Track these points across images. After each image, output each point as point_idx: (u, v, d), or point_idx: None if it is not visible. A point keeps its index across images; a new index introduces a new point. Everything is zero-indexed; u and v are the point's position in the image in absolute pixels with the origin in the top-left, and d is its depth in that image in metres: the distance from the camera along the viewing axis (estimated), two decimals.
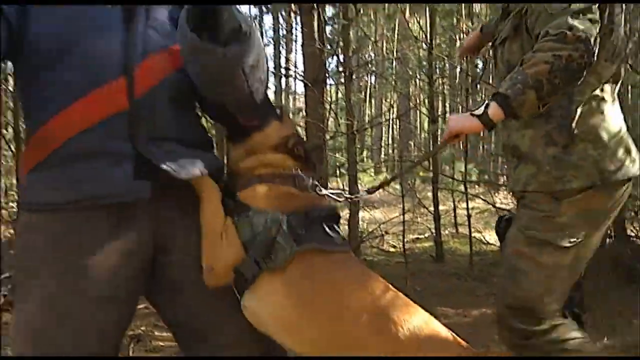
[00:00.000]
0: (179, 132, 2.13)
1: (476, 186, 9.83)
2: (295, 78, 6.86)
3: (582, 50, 2.07)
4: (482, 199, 8.64)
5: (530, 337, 2.45)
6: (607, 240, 6.61)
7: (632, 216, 6.94)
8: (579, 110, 2.30)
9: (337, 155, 7.98)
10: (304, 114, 6.70)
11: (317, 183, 2.26)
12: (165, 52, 2.12)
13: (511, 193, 3.06)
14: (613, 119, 2.39)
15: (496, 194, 9.47)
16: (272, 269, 2.08)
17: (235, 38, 1.94)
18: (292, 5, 7.96)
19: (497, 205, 7.46)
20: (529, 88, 2.05)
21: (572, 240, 2.34)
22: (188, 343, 2.33)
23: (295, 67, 6.83)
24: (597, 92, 2.34)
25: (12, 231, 8.05)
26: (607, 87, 2.37)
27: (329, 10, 8.05)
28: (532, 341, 2.45)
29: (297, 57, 14.98)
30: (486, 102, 2.15)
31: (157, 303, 2.31)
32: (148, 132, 2.05)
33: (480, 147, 16.39)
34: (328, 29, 7.95)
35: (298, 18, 7.75)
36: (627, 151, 2.40)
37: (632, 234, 6.83)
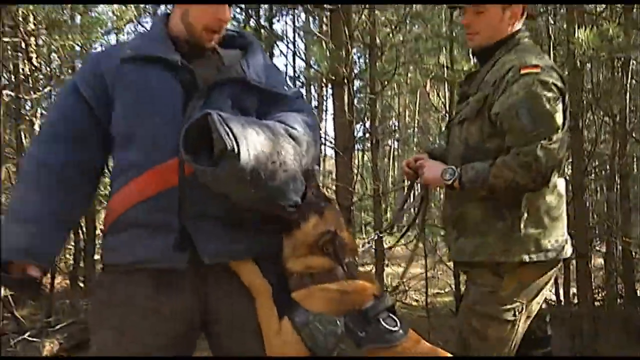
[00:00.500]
0: (221, 212, 2.11)
1: None
2: (326, 145, 6.87)
3: (539, 182, 2.30)
4: None
5: None
6: (617, 300, 6.58)
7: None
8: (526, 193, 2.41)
9: (363, 214, 8.06)
10: (334, 177, 6.78)
11: (351, 264, 2.24)
12: None
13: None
14: (555, 203, 2.48)
15: None
16: None
17: (223, 157, 1.90)
18: (324, 79, 8.05)
19: None
20: (484, 188, 2.33)
21: (514, 313, 2.42)
22: None
23: (327, 134, 6.89)
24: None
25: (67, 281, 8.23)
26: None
27: (357, 84, 8.17)
28: None
29: (328, 125, 15.09)
30: (453, 169, 2.41)
31: (212, 349, 2.35)
32: (192, 209, 2.09)
33: None
34: (356, 100, 8.04)
35: (329, 91, 7.86)
36: (563, 235, 2.52)
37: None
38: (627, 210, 6.55)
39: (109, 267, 2.25)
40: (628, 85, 6.54)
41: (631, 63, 6.69)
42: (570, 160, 5.88)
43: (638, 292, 6.74)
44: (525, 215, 2.41)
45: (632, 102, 6.73)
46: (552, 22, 6.51)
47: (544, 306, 2.78)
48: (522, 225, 2.41)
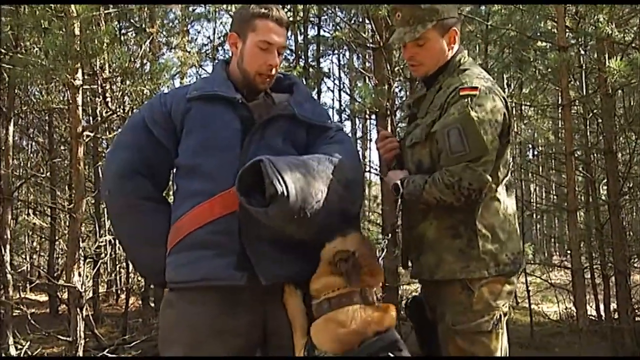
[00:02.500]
0: (276, 235, 2.12)
1: (531, 264, 9.63)
2: (370, 172, 6.92)
3: (463, 202, 2.18)
4: (537, 276, 8.45)
5: None
6: None
7: None
8: (480, 209, 2.28)
9: None
10: (380, 201, 6.79)
11: (370, 291, 2.13)
12: None
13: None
14: (507, 217, 2.36)
15: (551, 271, 9.18)
16: None
17: (274, 201, 1.96)
18: (368, 112, 8.13)
19: (552, 281, 7.26)
20: (420, 201, 2.24)
21: (494, 322, 2.28)
22: None
23: (372, 162, 6.96)
24: (494, 193, 2.31)
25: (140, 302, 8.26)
26: (501, 189, 2.34)
27: (399, 114, 8.19)
28: None
29: (373, 154, 15.15)
30: (400, 181, 2.32)
31: None
32: (251, 233, 2.11)
33: (534, 228, 16.02)
34: (398, 129, 8.08)
35: (373, 122, 7.86)
36: (516, 248, 2.38)
37: None
38: None
39: (175, 285, 2.24)
40: None
41: None
42: (605, 181, 5.85)
43: None
44: (481, 231, 2.29)
45: None
46: (583, 52, 6.31)
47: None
48: (479, 242, 2.28)
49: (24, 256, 11.18)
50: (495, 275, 2.28)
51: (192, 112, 2.26)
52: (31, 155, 11.14)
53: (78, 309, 4.70)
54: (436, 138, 2.24)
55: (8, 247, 5.97)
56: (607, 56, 5.30)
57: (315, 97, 9.45)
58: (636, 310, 5.97)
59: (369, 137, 14.60)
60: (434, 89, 2.37)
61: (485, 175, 2.18)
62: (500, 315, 2.31)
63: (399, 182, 2.31)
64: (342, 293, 2.05)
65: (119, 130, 7.13)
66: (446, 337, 2.30)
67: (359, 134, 15.39)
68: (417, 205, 2.32)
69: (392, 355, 1.98)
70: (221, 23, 9.73)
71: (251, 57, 2.25)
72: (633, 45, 5.82)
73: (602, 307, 6.57)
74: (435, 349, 2.39)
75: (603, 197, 6.27)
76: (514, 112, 8.65)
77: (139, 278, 8.20)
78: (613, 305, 5.98)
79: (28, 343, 5.36)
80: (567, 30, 4.95)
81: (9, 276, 5.92)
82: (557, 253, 11.67)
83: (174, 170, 2.37)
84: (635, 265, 6.55)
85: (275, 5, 2.31)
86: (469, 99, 2.19)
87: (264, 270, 2.11)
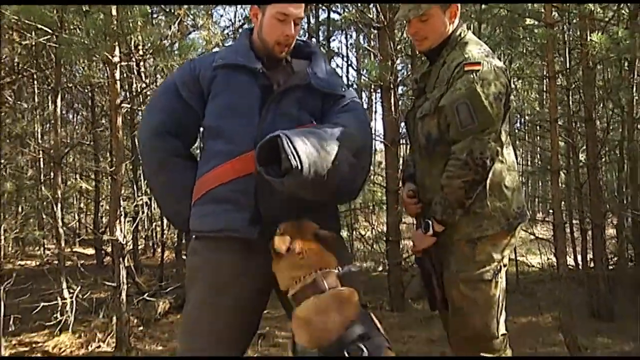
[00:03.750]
0: (287, 197, 2.11)
1: None
2: (376, 140, 6.91)
3: (481, 173, 2.14)
4: (523, 230, 8.44)
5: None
6: (628, 263, 6.45)
7: None
8: (497, 170, 2.27)
9: None
10: (384, 166, 6.79)
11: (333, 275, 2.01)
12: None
13: None
14: (511, 174, 2.33)
15: (535, 226, 9.15)
16: None
17: (289, 173, 1.97)
18: (373, 86, 8.09)
19: (536, 235, 7.25)
20: (454, 208, 2.19)
21: (493, 273, 2.27)
22: None
23: (376, 131, 6.95)
24: (501, 157, 2.28)
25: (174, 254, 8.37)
26: (504, 150, 2.31)
27: (401, 89, 8.12)
28: None
29: (378, 124, 15.08)
30: (428, 222, 2.27)
31: (286, 309, 2.29)
32: (265, 192, 2.12)
33: None
34: (400, 102, 8.03)
35: (379, 95, 7.80)
36: (521, 201, 2.37)
37: None
38: (635, 188, 6.43)
39: (199, 234, 2.27)
40: (634, 81, 6.34)
41: (637, 62, 6.39)
42: (585, 146, 5.90)
43: None
44: (490, 191, 2.27)
45: (638, 95, 6.46)
46: (567, 29, 6.21)
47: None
48: (488, 202, 2.26)
49: (72, 215, 11.29)
50: (502, 230, 2.27)
51: (217, 78, 2.25)
52: (76, 126, 11.20)
53: (120, 260, 4.75)
54: (445, 112, 2.19)
55: (59, 206, 6.02)
56: (588, 32, 5.21)
57: None
58: (609, 260, 6.02)
59: (374, 109, 14.49)
60: (438, 63, 2.34)
61: (493, 143, 2.16)
62: (500, 267, 2.30)
63: (430, 223, 2.27)
64: (298, 288, 1.97)
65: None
66: (450, 284, 2.29)
67: (365, 105, 15.33)
68: (436, 172, 2.26)
69: (361, 346, 1.87)
70: (241, 7, 9.68)
71: (269, 27, 2.22)
72: (612, 22, 5.73)
73: (579, 257, 6.59)
74: (440, 295, 2.36)
75: (582, 160, 6.25)
76: None
77: (173, 233, 8.30)
78: (589, 256, 6.00)
79: (79, 288, 5.42)
80: (554, 8, 4.86)
81: (61, 231, 5.99)
82: (540, 211, 11.64)
83: (202, 130, 2.37)
84: (610, 220, 6.54)
85: None
86: (474, 74, 2.16)
87: (272, 229, 2.11)
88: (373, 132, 2.54)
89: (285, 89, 2.24)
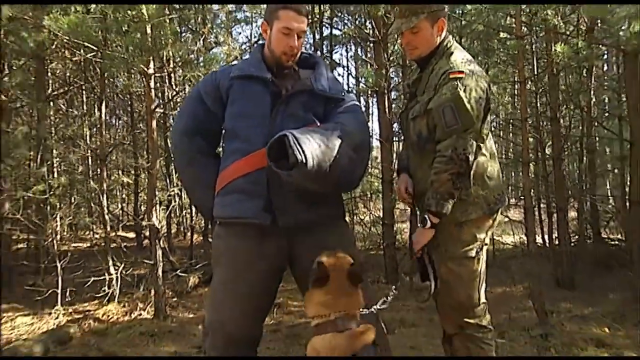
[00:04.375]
0: (295, 188, 2.11)
1: None
2: (373, 137, 6.90)
3: (464, 166, 2.11)
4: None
5: (464, 326, 2.32)
6: (587, 241, 6.43)
7: (605, 224, 6.68)
8: (474, 164, 2.22)
9: None
10: (379, 160, 6.79)
11: (351, 321, 1.95)
12: None
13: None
14: (491, 165, 2.30)
15: (509, 210, 9.13)
16: None
17: (295, 167, 1.97)
18: (369, 91, 8.07)
19: (510, 217, 7.25)
20: (447, 199, 2.13)
21: (476, 251, 2.24)
22: None
23: (373, 130, 6.96)
24: (482, 150, 2.26)
25: (201, 237, 8.41)
26: (487, 144, 2.29)
27: (394, 94, 8.10)
28: (466, 330, 2.32)
29: (374, 124, 15.09)
30: (424, 217, 2.19)
31: (298, 284, 2.32)
32: (275, 184, 2.11)
33: None
34: (393, 105, 8.01)
35: (375, 100, 7.82)
36: (501, 188, 2.33)
37: (605, 236, 6.59)
38: (593, 177, 6.47)
39: (221, 220, 2.25)
40: (592, 86, 6.39)
41: (594, 69, 6.49)
42: (550, 142, 5.79)
43: (603, 235, 6.67)
44: (474, 181, 2.23)
45: (595, 97, 6.60)
46: (535, 41, 6.20)
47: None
48: (472, 190, 2.23)
49: (116, 204, 11.36)
50: (485, 214, 2.25)
51: (234, 87, 2.26)
52: (118, 129, 11.23)
53: (156, 242, 4.77)
54: (432, 114, 2.17)
55: (105, 197, 6.06)
56: (553, 43, 5.19)
57: None
58: (571, 238, 6.00)
59: (371, 111, 14.45)
60: (427, 70, 2.30)
61: (474, 141, 2.13)
62: (482, 246, 2.28)
63: (428, 218, 2.20)
64: (321, 322, 1.94)
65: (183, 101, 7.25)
66: (440, 261, 2.27)
67: (363, 108, 15.34)
68: (426, 166, 2.23)
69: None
70: (256, 26, 9.68)
71: (276, 40, 2.23)
72: (573, 34, 5.71)
73: (546, 236, 6.62)
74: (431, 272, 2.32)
75: (548, 153, 6.23)
76: None
77: (201, 220, 8.33)
78: (554, 235, 5.98)
79: (122, 265, 5.45)
80: (523, 24, 4.85)
81: (106, 218, 6.02)
82: (513, 197, 11.59)
83: (223, 132, 2.37)
84: (572, 204, 6.52)
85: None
86: (458, 81, 2.13)
87: (282, 215, 2.13)
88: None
89: (292, 94, 2.22)
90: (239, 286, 2.15)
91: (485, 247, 2.31)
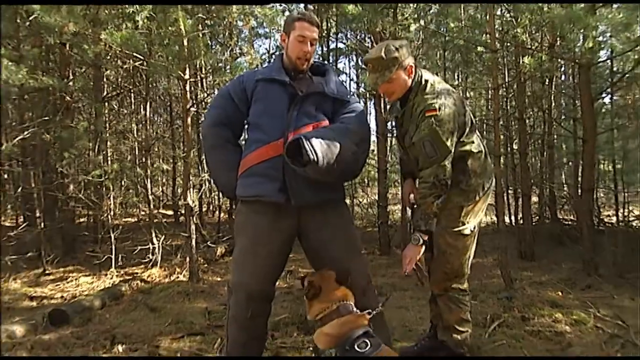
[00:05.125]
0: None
1: None
2: (372, 133, 6.89)
3: (444, 190, 2.12)
4: None
5: (448, 289, 2.34)
6: (546, 221, 6.42)
7: (560, 208, 6.67)
8: (469, 161, 2.24)
9: (393, 175, 7.85)
10: (376, 152, 6.78)
11: (350, 307, 1.98)
12: (308, 127, 2.19)
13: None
14: (481, 159, 2.29)
15: None
16: None
17: (308, 164, 1.99)
18: (368, 94, 8.03)
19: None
20: (433, 218, 2.13)
21: (471, 228, 2.27)
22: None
23: (370, 127, 6.93)
24: (471, 149, 2.24)
25: (226, 215, 8.45)
26: (473, 146, 2.26)
27: None
28: (449, 292, 2.35)
29: (372, 122, 15.07)
30: (417, 236, 2.16)
31: (306, 253, 2.32)
32: (290, 169, 2.09)
33: None
34: (389, 106, 7.95)
35: (372, 102, 7.79)
36: (490, 174, 2.33)
37: (560, 217, 6.58)
38: (552, 168, 6.47)
39: (244, 198, 2.24)
40: (552, 92, 6.37)
41: (554, 78, 6.48)
42: (517, 139, 5.73)
43: (559, 215, 6.65)
44: (470, 173, 2.25)
45: (555, 102, 6.55)
46: (506, 54, 6.16)
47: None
48: (472, 181, 2.25)
49: (157, 187, 11.41)
50: (479, 198, 2.26)
51: (258, 88, 2.25)
52: (160, 125, 11.26)
53: (190, 218, 4.78)
54: (416, 146, 2.17)
55: (149, 181, 6.12)
56: (521, 56, 5.16)
57: None
58: (533, 218, 5.99)
59: (369, 111, 14.38)
60: (408, 106, 2.27)
61: (449, 167, 2.13)
62: (476, 225, 2.30)
63: (419, 236, 2.18)
64: (325, 314, 1.96)
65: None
66: (439, 235, 2.28)
67: (363, 109, 15.28)
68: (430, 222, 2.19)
69: (366, 341, 1.86)
70: (274, 39, 9.63)
71: (293, 47, 2.22)
72: (537, 49, 5.66)
73: (513, 217, 6.67)
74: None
75: (516, 148, 6.21)
76: (462, 93, 8.48)
77: (227, 201, 8.35)
78: (519, 215, 6.06)
79: (163, 237, 5.51)
80: (497, 39, 4.82)
81: (150, 198, 6.10)
82: None
83: (246, 125, 2.36)
84: (534, 190, 6.51)
85: (309, 12, 2.29)
86: (433, 118, 2.10)
87: (295, 196, 2.13)
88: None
89: (307, 95, 2.21)
90: (257, 253, 2.16)
91: (478, 226, 2.33)
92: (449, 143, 2.12)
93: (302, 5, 7.91)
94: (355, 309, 1.97)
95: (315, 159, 1.98)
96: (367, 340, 1.85)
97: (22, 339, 3.15)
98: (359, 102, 2.44)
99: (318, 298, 1.98)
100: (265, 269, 2.19)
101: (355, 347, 1.83)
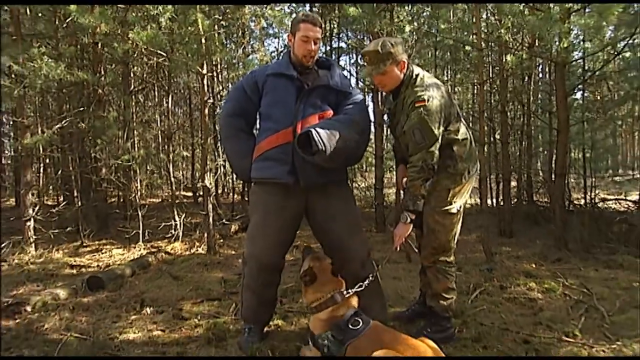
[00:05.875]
0: (313, 159, 2.09)
1: None
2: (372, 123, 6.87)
3: (431, 173, 2.11)
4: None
5: (437, 262, 2.34)
6: (523, 202, 6.40)
7: (536, 191, 6.66)
8: (455, 147, 2.21)
9: (389, 162, 7.82)
10: (373, 140, 6.75)
11: (343, 294, 1.99)
12: (314, 116, 2.18)
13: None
14: (467, 146, 2.26)
15: None
16: (342, 354, 1.86)
17: (317, 153, 2.01)
18: (367, 89, 7.95)
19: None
20: (420, 199, 2.12)
21: (457, 207, 2.27)
22: (329, 251, 2.27)
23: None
24: (457, 136, 2.21)
25: (240, 196, 8.48)
26: (460, 134, 2.23)
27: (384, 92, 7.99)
28: (437, 265, 2.34)
29: (370, 113, 14.85)
30: (405, 214, 2.16)
31: (312, 229, 2.34)
32: (298, 154, 2.10)
33: None
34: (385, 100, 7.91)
35: (371, 95, 7.72)
36: (475, 159, 2.31)
37: (536, 199, 6.57)
38: (529, 156, 6.42)
39: (257, 180, 2.24)
40: (531, 88, 6.32)
41: (533, 75, 6.44)
42: (500, 129, 5.68)
43: (534, 198, 6.61)
44: (456, 158, 2.23)
45: (533, 96, 6.47)
46: (490, 53, 6.11)
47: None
48: (459, 166, 2.23)
49: (179, 171, 11.42)
50: (465, 181, 2.24)
51: (268, 82, 2.24)
52: (180, 115, 11.25)
53: (208, 198, 4.79)
54: (406, 134, 2.15)
55: (171, 165, 6.12)
56: (504, 55, 5.11)
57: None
58: (512, 200, 5.97)
59: (366, 103, 14.24)
60: (399, 98, 2.24)
61: (436, 152, 2.11)
62: (461, 205, 2.29)
63: (407, 215, 2.16)
64: (321, 302, 1.96)
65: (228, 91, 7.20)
66: (429, 214, 2.27)
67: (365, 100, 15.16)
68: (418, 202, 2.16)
69: (358, 318, 1.88)
70: (282, 39, 9.57)
71: (298, 46, 2.21)
72: (518, 48, 5.60)
73: (494, 199, 6.66)
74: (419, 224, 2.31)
75: (498, 138, 6.19)
76: (450, 89, 8.44)
77: (240, 183, 8.37)
78: (500, 197, 6.00)
79: (184, 215, 5.52)
80: (482, 39, 4.79)
81: (172, 180, 6.08)
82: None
83: (259, 115, 2.34)
84: (513, 176, 6.45)
85: (313, 14, 2.24)
86: (422, 108, 2.09)
87: (303, 178, 2.14)
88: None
89: (313, 87, 2.20)
90: (268, 228, 2.19)
91: (464, 205, 2.32)
92: (436, 131, 2.11)
93: (307, 7, 7.83)
94: (347, 293, 1.98)
95: (323, 148, 1.98)
96: (359, 319, 1.88)
97: (65, 300, 3.21)
98: (360, 94, 2.42)
99: (313, 286, 1.99)
100: (275, 243, 2.21)
101: (350, 325, 1.86)
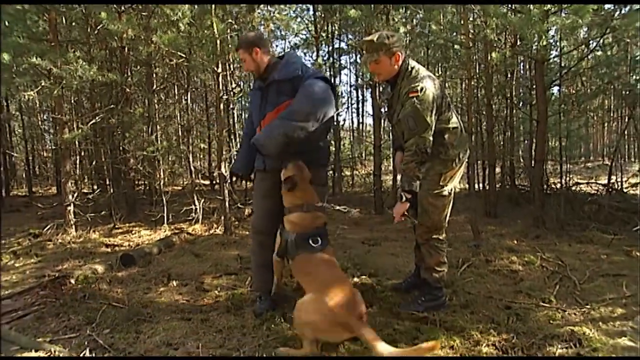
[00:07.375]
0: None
1: None
2: (368, 115, 6.76)
3: (424, 157, 2.10)
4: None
5: (430, 239, 2.34)
6: (506, 187, 6.38)
7: (518, 176, 6.65)
8: (446, 135, 2.21)
9: (386, 150, 7.79)
10: (372, 131, 6.72)
11: (321, 205, 2.06)
12: (271, 113, 2.18)
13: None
14: (457, 133, 2.24)
15: None
16: (292, 257, 2.02)
17: (267, 157, 2.16)
18: (366, 84, 7.91)
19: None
20: (415, 180, 2.12)
21: (448, 191, 2.27)
22: None
23: (368, 111, 6.82)
24: (448, 125, 2.20)
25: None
26: (451, 123, 2.22)
27: (381, 87, 7.92)
28: (430, 242, 2.35)
29: (369, 107, 14.80)
30: (401, 194, 2.15)
31: None
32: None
33: None
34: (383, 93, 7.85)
35: (369, 91, 7.68)
36: (465, 145, 2.30)
37: (518, 184, 6.55)
38: (512, 144, 6.39)
39: (255, 170, 2.40)
40: (514, 83, 6.31)
41: (515, 72, 6.39)
42: (486, 121, 5.64)
43: (516, 182, 6.58)
44: (448, 145, 2.22)
45: (516, 90, 6.43)
46: (477, 50, 6.05)
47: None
48: (450, 152, 2.23)
49: (197, 161, 11.40)
50: (456, 166, 2.24)
51: (250, 93, 2.48)
52: (198, 111, 11.23)
53: (224, 185, 4.80)
54: (402, 122, 2.14)
55: (190, 156, 6.16)
56: (490, 52, 5.05)
57: (337, 79, 9.09)
58: (496, 184, 5.89)
59: (366, 98, 14.10)
60: (396, 89, 2.23)
61: (428, 138, 2.09)
62: (452, 188, 2.28)
63: (403, 195, 2.16)
64: (293, 205, 2.03)
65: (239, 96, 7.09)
66: (422, 197, 2.26)
67: (361, 97, 14.87)
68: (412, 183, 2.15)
69: (319, 239, 1.95)
70: (288, 40, 9.47)
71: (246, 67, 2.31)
72: (502, 46, 5.54)
73: (481, 184, 6.55)
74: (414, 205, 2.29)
75: (484, 128, 6.15)
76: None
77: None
78: (486, 182, 5.91)
79: (202, 200, 5.56)
80: (470, 39, 4.74)
81: (192, 169, 6.14)
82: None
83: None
84: (498, 162, 6.39)
85: (242, 35, 2.34)
86: (415, 98, 2.08)
87: (268, 164, 2.27)
88: (324, 91, 2.16)
89: (267, 87, 2.23)
90: (259, 203, 2.34)
91: (455, 188, 2.32)
92: (428, 119, 2.10)
93: (311, 9, 7.72)
94: (317, 206, 2.05)
95: (268, 153, 2.08)
96: (319, 238, 1.96)
97: (102, 274, 3.28)
98: (314, 72, 2.24)
99: (292, 192, 2.06)
100: (264, 212, 2.33)
101: (310, 241, 1.94)
